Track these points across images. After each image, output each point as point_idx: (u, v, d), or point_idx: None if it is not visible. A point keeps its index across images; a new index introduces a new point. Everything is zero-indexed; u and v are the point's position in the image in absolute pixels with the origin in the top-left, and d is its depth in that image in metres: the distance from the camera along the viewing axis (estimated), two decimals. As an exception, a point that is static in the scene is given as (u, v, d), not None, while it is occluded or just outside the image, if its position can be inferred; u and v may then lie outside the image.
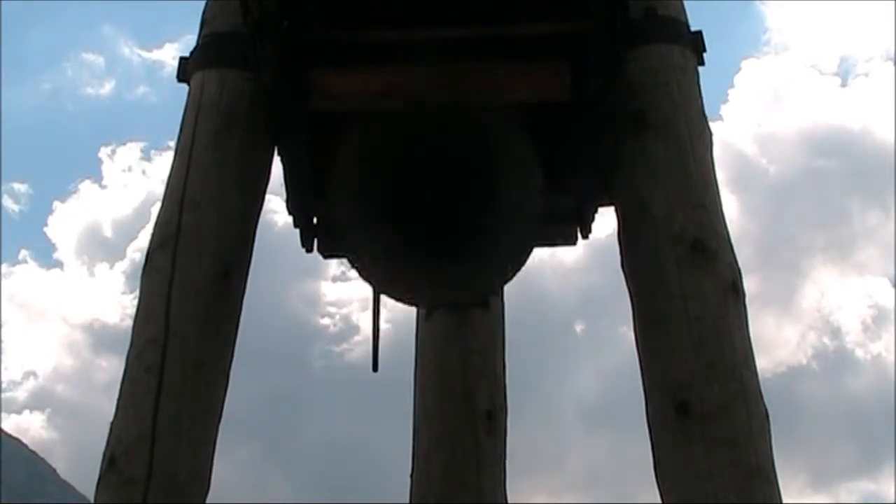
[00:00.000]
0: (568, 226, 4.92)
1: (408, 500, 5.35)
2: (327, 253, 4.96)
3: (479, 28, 4.15)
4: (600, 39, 4.01)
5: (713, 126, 4.23)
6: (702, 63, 4.34)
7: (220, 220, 4.03)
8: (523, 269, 4.84)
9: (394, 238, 4.28)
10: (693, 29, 4.38)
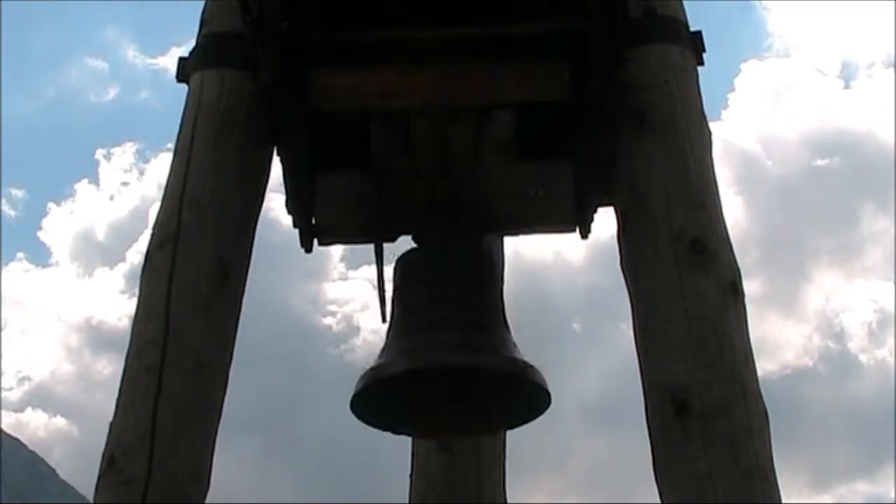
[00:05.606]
0: (567, 217, 4.87)
1: (408, 500, 5.35)
2: (323, 242, 4.90)
3: (479, 28, 4.15)
4: (600, 39, 4.01)
5: (716, 128, 4.24)
6: (701, 63, 4.34)
7: (220, 219, 4.03)
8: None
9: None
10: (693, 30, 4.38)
